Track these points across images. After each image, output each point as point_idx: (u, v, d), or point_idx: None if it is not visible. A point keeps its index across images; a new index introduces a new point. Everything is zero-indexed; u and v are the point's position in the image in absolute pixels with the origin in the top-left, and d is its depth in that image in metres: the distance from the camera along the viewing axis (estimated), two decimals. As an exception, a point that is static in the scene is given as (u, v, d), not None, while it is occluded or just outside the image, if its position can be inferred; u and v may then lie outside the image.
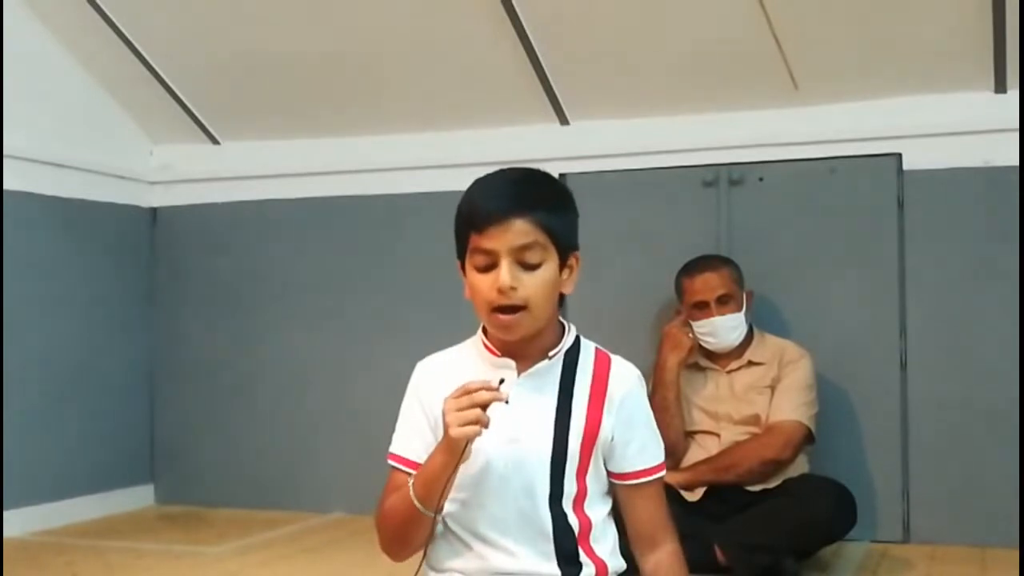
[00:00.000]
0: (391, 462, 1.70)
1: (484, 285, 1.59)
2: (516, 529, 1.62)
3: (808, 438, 3.34)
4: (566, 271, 1.64)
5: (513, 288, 1.56)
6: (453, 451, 1.54)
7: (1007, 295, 3.53)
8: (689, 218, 3.92)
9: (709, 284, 3.42)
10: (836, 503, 3.14)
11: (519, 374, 1.63)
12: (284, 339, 4.41)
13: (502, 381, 1.54)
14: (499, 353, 1.65)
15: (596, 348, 1.72)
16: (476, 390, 1.52)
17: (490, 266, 1.58)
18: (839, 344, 3.69)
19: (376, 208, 4.30)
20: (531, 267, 1.58)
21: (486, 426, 1.51)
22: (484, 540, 1.63)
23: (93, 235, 4.33)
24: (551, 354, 1.65)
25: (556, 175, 4.44)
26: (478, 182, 1.66)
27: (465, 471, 1.60)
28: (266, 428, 4.42)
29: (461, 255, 1.64)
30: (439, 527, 1.66)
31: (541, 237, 1.58)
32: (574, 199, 1.69)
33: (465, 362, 1.69)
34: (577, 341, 1.69)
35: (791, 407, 3.32)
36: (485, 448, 1.60)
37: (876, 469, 3.67)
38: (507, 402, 1.52)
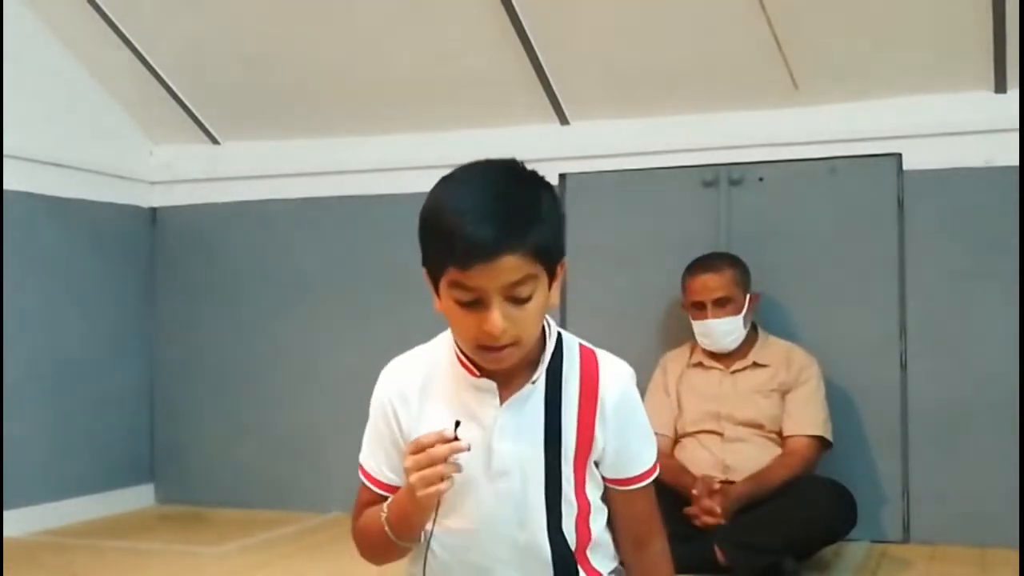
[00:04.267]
0: (360, 474, 1.63)
1: (468, 323, 1.42)
2: (511, 557, 1.54)
3: (827, 443, 3.41)
4: (553, 284, 1.46)
5: (505, 330, 1.41)
6: (424, 507, 1.45)
7: (1007, 295, 3.52)
8: (689, 218, 3.92)
9: (707, 286, 3.44)
10: (836, 503, 3.15)
11: (502, 402, 1.51)
12: (284, 339, 4.41)
13: (458, 424, 1.42)
14: (478, 373, 1.50)
15: (580, 346, 1.57)
16: (432, 444, 1.40)
17: (474, 302, 1.40)
18: (839, 344, 3.68)
19: (376, 208, 4.30)
20: (522, 300, 1.41)
21: (452, 482, 1.41)
22: (479, 569, 1.55)
23: (93, 235, 4.33)
24: (534, 379, 1.50)
25: (556, 175, 4.39)
26: (450, 192, 1.44)
27: (453, 506, 1.51)
28: (266, 428, 4.42)
29: (428, 267, 1.46)
30: (432, 550, 1.58)
31: (533, 268, 1.40)
32: (556, 195, 1.48)
33: (440, 379, 1.55)
34: (559, 344, 1.54)
35: (811, 424, 3.37)
36: (474, 483, 1.51)
37: (876, 469, 3.67)
38: (468, 448, 1.41)
